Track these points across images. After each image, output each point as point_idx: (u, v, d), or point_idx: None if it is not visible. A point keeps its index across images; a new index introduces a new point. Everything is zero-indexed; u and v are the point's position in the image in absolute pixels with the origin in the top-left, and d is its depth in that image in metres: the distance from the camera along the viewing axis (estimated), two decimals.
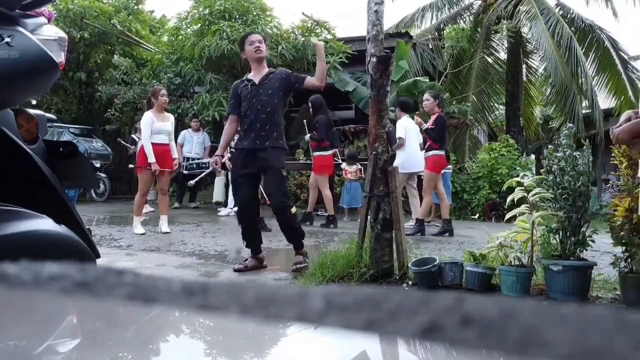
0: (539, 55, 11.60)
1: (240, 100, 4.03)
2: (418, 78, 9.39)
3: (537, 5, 11.41)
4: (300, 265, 4.00)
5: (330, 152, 7.16)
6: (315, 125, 7.01)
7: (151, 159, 5.75)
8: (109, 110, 10.84)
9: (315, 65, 8.98)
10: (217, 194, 8.81)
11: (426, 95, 6.67)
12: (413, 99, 9.04)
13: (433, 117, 6.43)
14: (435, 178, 6.50)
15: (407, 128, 6.64)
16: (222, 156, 4.51)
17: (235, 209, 8.11)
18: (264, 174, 4.04)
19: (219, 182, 8.61)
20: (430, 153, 6.40)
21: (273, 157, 3.92)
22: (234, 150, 4.33)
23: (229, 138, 4.29)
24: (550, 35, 10.81)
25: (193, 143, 9.50)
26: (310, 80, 3.99)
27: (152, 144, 5.81)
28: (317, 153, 7.12)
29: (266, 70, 4.07)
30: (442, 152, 6.51)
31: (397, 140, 6.56)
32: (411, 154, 6.63)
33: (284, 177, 4.02)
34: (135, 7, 12.35)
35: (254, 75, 4.06)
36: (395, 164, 6.64)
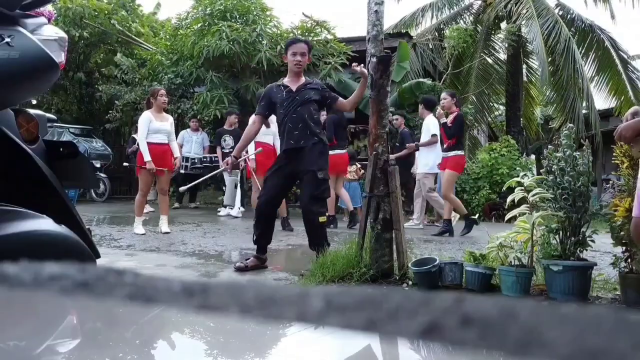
0: (537, 55, 11.62)
1: (272, 104, 4.09)
2: (420, 79, 9.40)
3: (537, 6, 11.40)
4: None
5: (337, 151, 6.86)
6: (324, 123, 6.99)
7: (146, 157, 5.74)
8: (110, 112, 10.84)
9: (315, 65, 8.94)
10: (228, 197, 8.42)
11: (444, 94, 6.62)
12: (414, 100, 9.05)
13: (452, 116, 6.37)
14: (456, 178, 6.48)
15: (436, 125, 6.60)
16: (237, 157, 4.47)
17: (241, 209, 8.12)
18: (300, 177, 4.05)
19: (231, 183, 8.32)
20: (452, 153, 6.31)
21: (308, 158, 3.93)
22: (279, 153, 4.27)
23: (250, 139, 4.35)
24: (543, 37, 10.82)
25: (192, 143, 9.50)
26: (342, 104, 4.17)
27: (150, 143, 5.81)
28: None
29: (303, 79, 4.12)
30: (463, 152, 6.50)
31: (431, 137, 6.56)
32: (439, 155, 6.58)
33: (319, 179, 3.91)
34: (131, 3, 12.34)
35: (291, 82, 4.08)
36: (424, 164, 6.69)
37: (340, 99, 4.20)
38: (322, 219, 3.99)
